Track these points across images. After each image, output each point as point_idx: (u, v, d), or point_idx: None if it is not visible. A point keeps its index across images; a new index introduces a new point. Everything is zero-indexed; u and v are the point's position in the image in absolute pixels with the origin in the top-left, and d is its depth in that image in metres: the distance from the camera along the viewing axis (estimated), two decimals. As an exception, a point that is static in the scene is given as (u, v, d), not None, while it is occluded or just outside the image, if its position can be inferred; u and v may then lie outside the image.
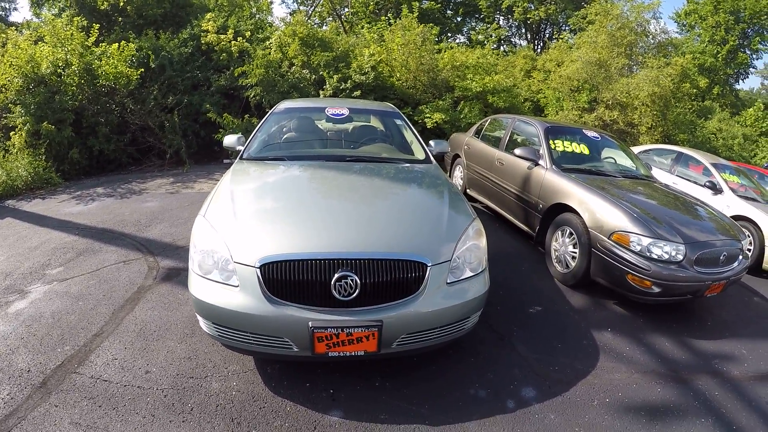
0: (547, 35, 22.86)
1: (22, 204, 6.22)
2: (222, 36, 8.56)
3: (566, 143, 4.78)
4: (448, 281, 2.34)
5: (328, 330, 2.13)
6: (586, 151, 4.82)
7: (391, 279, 2.20)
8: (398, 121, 4.33)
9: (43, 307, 3.38)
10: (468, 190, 6.19)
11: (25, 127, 6.79)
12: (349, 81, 8.39)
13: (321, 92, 8.64)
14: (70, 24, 8.04)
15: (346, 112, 4.17)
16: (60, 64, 7.32)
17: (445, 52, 9.84)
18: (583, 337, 3.21)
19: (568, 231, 3.88)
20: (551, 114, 10.34)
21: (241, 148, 3.72)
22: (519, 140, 5.35)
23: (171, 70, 8.40)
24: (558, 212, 4.06)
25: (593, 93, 10.22)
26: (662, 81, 9.48)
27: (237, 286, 2.20)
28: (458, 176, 6.61)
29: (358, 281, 2.15)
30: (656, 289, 3.25)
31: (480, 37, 17.57)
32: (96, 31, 7.81)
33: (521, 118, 5.63)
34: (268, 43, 9.01)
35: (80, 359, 2.69)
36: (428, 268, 2.26)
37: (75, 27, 7.83)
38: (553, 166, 4.39)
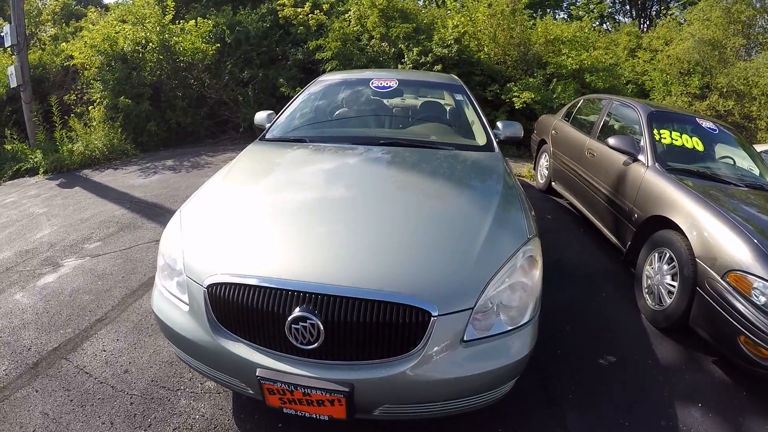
0: (654, 11, 19.80)
1: (95, 174, 6.60)
2: (299, 9, 8.42)
3: (675, 134, 3.67)
4: (466, 338, 1.62)
5: (277, 384, 1.59)
6: (700, 147, 3.66)
7: (373, 329, 1.56)
8: (458, 96, 3.61)
9: (66, 283, 3.45)
10: (553, 183, 5.27)
11: (104, 102, 7.23)
12: (430, 54, 7.70)
13: (399, 66, 8.10)
14: (147, 4, 8.39)
15: (394, 83, 3.51)
16: (141, 42, 7.66)
17: (538, 24, 8.67)
18: (662, 412, 2.28)
19: (667, 255, 2.88)
20: (657, 99, 8.75)
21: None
22: (615, 127, 4.31)
23: (247, 45, 8.42)
24: (657, 227, 3.07)
25: (705, 78, 8.56)
26: (787, 66, 7.56)
27: (187, 305, 1.77)
28: (543, 166, 5.68)
29: (321, 327, 1.55)
30: None
31: (581, 12, 15.51)
32: (172, 9, 8.04)
33: (619, 99, 4.55)
34: (347, 15, 8.67)
35: (74, 345, 2.66)
36: (433, 320, 1.56)
37: (152, 5, 8.17)
38: (657, 164, 3.36)
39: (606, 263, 3.79)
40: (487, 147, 2.92)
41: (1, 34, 6.66)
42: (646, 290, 3.04)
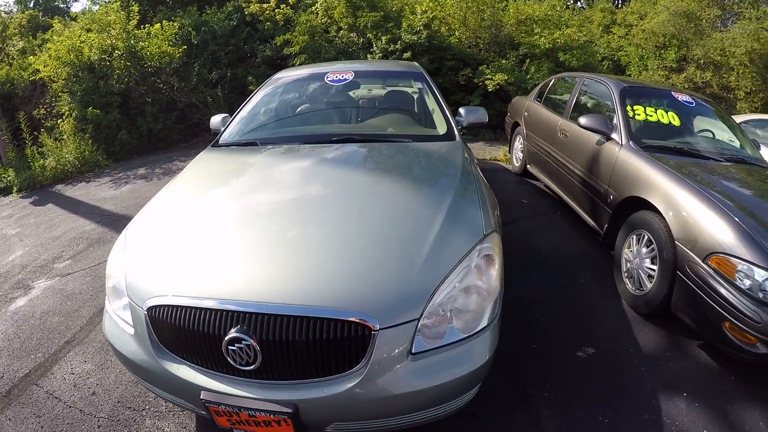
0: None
1: (68, 188, 6.41)
2: (265, 5, 8.18)
3: (649, 110, 3.51)
4: (414, 350, 1.51)
5: (222, 406, 1.52)
6: (676, 122, 3.49)
7: (311, 347, 1.46)
8: (418, 84, 3.44)
9: (37, 305, 3.39)
10: (528, 166, 5.13)
11: (73, 114, 6.98)
12: (399, 42, 7.49)
13: (369, 56, 7.90)
14: (110, 10, 8.12)
15: (349, 76, 3.35)
16: (107, 49, 7.39)
17: (509, 4, 8.45)
18: (645, 405, 2.16)
19: (645, 237, 2.77)
20: (634, 74, 8.63)
21: None
22: (588, 105, 4.17)
23: (214, 45, 8.17)
24: (634, 208, 2.95)
25: (682, 50, 8.43)
26: (763, 35, 7.47)
27: (132, 328, 1.70)
28: (518, 149, 5.54)
29: (257, 347, 1.45)
30: (763, 349, 2.10)
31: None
32: (136, 14, 7.76)
33: (591, 75, 4.39)
34: (314, 8, 8.43)
35: (44, 370, 2.64)
36: (374, 334, 1.45)
37: (116, 11, 7.88)
38: (631, 143, 3.22)
39: (584, 247, 3.68)
40: (447, 136, 2.77)
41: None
42: (626, 274, 2.93)
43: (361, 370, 1.47)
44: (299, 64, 7.81)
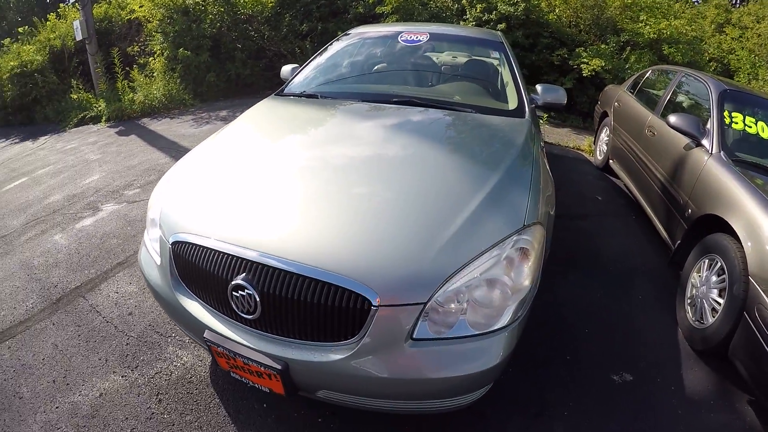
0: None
1: (152, 123, 6.81)
2: (362, -41, 7.93)
3: (750, 120, 2.97)
4: (416, 336, 1.40)
5: (220, 348, 1.55)
6: None
7: (309, 309, 1.41)
8: (495, 54, 3.17)
9: (101, 226, 3.67)
10: (610, 162, 4.63)
11: (165, 53, 7.35)
12: (495, 12, 6.98)
13: (462, 23, 7.47)
14: None
15: (424, 37, 3.16)
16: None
17: None
18: None
19: (718, 264, 2.36)
20: (742, 82, 7.40)
21: None
22: (684, 104, 3.61)
23: (306, -3, 8.14)
24: (712, 228, 2.53)
25: None
26: None
27: (159, 259, 1.77)
28: (603, 141, 5.01)
29: (257, 298, 1.43)
30: None
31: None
32: None
33: (691, 72, 3.79)
34: (411, -35, 8.04)
35: (93, 285, 2.83)
36: (373, 309, 1.36)
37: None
38: (722, 153, 2.74)
39: (651, 259, 3.26)
40: (517, 112, 2.53)
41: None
42: (689, 301, 2.55)
43: (354, 344, 1.40)
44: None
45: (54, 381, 2.10)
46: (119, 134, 6.37)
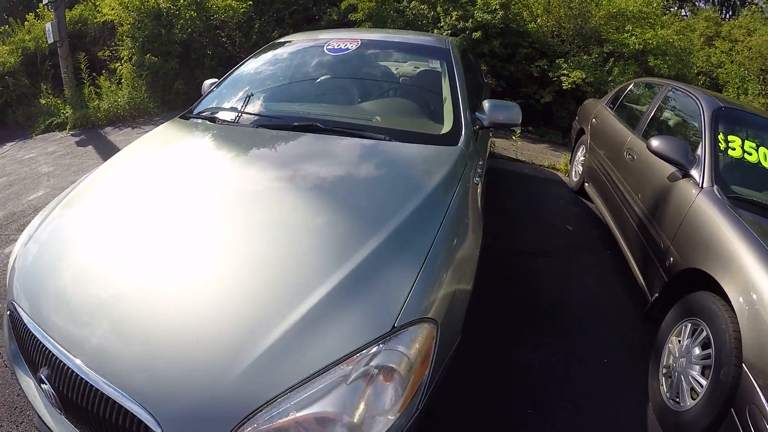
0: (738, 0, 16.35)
1: (114, 132, 6.32)
2: (336, -37, 7.45)
3: (749, 145, 2.41)
4: None
5: None
6: None
7: (104, 425, 1.05)
8: (434, 63, 2.65)
9: None
10: (585, 185, 4.09)
11: (133, 59, 6.84)
12: (470, 20, 6.48)
13: (436, 31, 6.97)
14: None
15: (353, 45, 2.63)
16: (173, -2, 7.11)
17: None
18: None
19: (703, 334, 1.82)
20: (731, 96, 6.95)
21: None
22: (669, 123, 3.08)
23: (279, 3, 7.64)
24: (698, 285, 1.98)
25: None
26: None
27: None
28: (578, 161, 4.47)
29: (57, 397, 1.13)
30: None
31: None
32: None
33: (679, 85, 3.23)
34: (390, -28, 7.55)
35: None
36: None
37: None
38: (715, 187, 2.18)
39: (624, 309, 2.70)
40: (448, 138, 2.01)
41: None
42: (664, 371, 2.00)
43: None
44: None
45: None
46: (78, 144, 5.89)
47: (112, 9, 6.80)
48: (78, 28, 7.75)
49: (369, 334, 1.06)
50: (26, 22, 7.91)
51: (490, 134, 3.33)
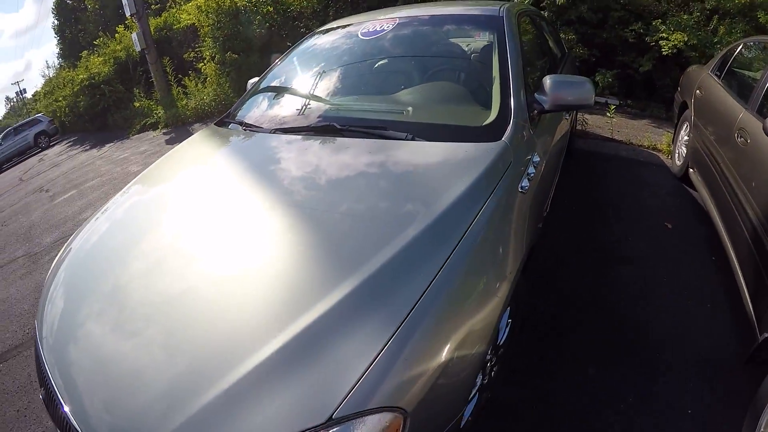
0: None
1: (201, 128, 6.70)
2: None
3: None
4: None
5: None
6: None
7: None
8: (487, 36, 2.17)
9: None
10: (690, 171, 3.27)
11: (215, 58, 7.17)
12: (555, -17, 5.65)
13: None
14: None
15: (389, 25, 2.29)
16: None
17: None
18: None
19: None
20: None
21: None
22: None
23: (351, -12, 7.42)
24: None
25: None
26: None
27: None
28: (682, 140, 3.61)
29: None
30: None
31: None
32: None
33: None
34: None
35: None
36: None
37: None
38: None
39: (724, 342, 2.04)
40: (490, 130, 1.60)
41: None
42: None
43: None
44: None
45: (18, 411, 2.08)
46: (167, 142, 6.34)
47: (189, 13, 7.17)
48: (164, 34, 8.37)
49: (298, 423, 0.81)
50: (117, 34, 8.74)
51: (567, 115, 2.78)
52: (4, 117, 56.32)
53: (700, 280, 2.47)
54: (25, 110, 35.97)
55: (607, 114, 4.67)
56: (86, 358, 1.11)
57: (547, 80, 1.79)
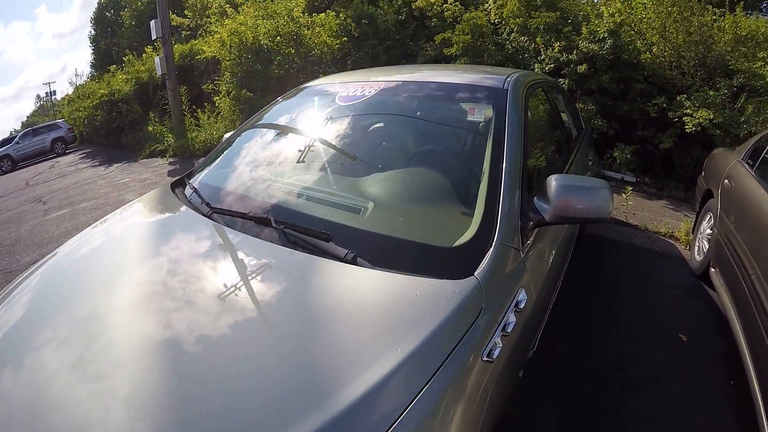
0: None
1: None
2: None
3: None
4: None
5: None
6: None
7: None
8: (484, 113, 1.78)
9: None
10: (711, 270, 2.89)
11: (231, 93, 7.18)
12: (575, 51, 5.54)
13: (537, 66, 6.12)
14: None
15: (371, 91, 1.96)
16: (273, 33, 7.37)
17: (725, 19, 5.44)
18: None
19: None
20: None
21: None
22: None
23: (374, 39, 7.46)
24: None
25: None
26: None
27: None
28: (704, 233, 3.26)
29: None
30: None
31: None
32: (303, 1, 7.54)
33: None
34: (486, 5, 6.97)
35: None
36: None
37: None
38: None
39: None
40: (462, 258, 1.22)
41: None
42: None
43: None
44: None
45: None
46: (169, 173, 6.24)
47: (210, 46, 7.26)
48: (187, 62, 8.49)
49: None
50: (144, 54, 8.90)
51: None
52: (32, 114, 57.39)
53: (715, 407, 2.05)
54: (52, 112, 36.86)
55: (623, 195, 4.36)
56: (22, 394, 0.90)
57: (552, 181, 1.40)
